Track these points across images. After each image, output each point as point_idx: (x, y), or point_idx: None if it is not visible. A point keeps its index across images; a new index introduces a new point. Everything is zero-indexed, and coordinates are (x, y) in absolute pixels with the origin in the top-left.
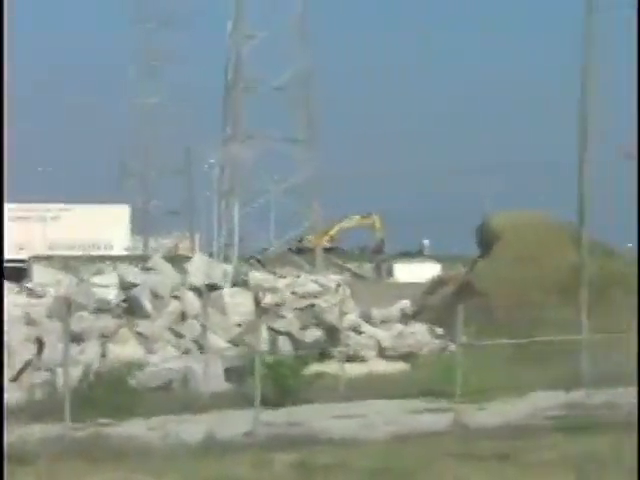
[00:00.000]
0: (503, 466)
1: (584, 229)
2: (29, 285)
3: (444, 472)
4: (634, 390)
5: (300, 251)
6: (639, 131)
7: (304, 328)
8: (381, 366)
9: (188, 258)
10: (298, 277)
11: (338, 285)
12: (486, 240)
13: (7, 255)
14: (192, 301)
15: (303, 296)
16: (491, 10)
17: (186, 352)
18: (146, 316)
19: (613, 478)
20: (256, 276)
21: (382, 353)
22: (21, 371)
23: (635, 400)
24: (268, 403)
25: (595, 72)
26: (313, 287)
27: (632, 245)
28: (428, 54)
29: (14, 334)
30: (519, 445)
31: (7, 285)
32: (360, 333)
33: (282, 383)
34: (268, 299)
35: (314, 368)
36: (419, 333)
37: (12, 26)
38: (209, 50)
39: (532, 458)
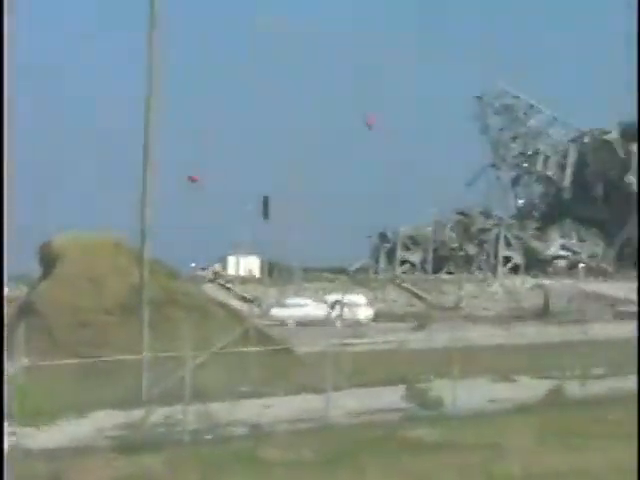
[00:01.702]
0: None
1: (145, 249)
2: None
3: None
4: (192, 408)
5: None
6: (639, 130)
7: None
8: None
9: None
10: None
11: None
12: (48, 260)
13: None
14: None
15: None
16: None
17: None
18: None
19: None
20: None
21: None
22: None
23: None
24: None
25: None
26: None
27: (195, 264)
28: None
29: None
30: (75, 466)
31: None
32: None
33: None
34: None
35: None
36: None
37: None
38: None
39: (87, 478)
